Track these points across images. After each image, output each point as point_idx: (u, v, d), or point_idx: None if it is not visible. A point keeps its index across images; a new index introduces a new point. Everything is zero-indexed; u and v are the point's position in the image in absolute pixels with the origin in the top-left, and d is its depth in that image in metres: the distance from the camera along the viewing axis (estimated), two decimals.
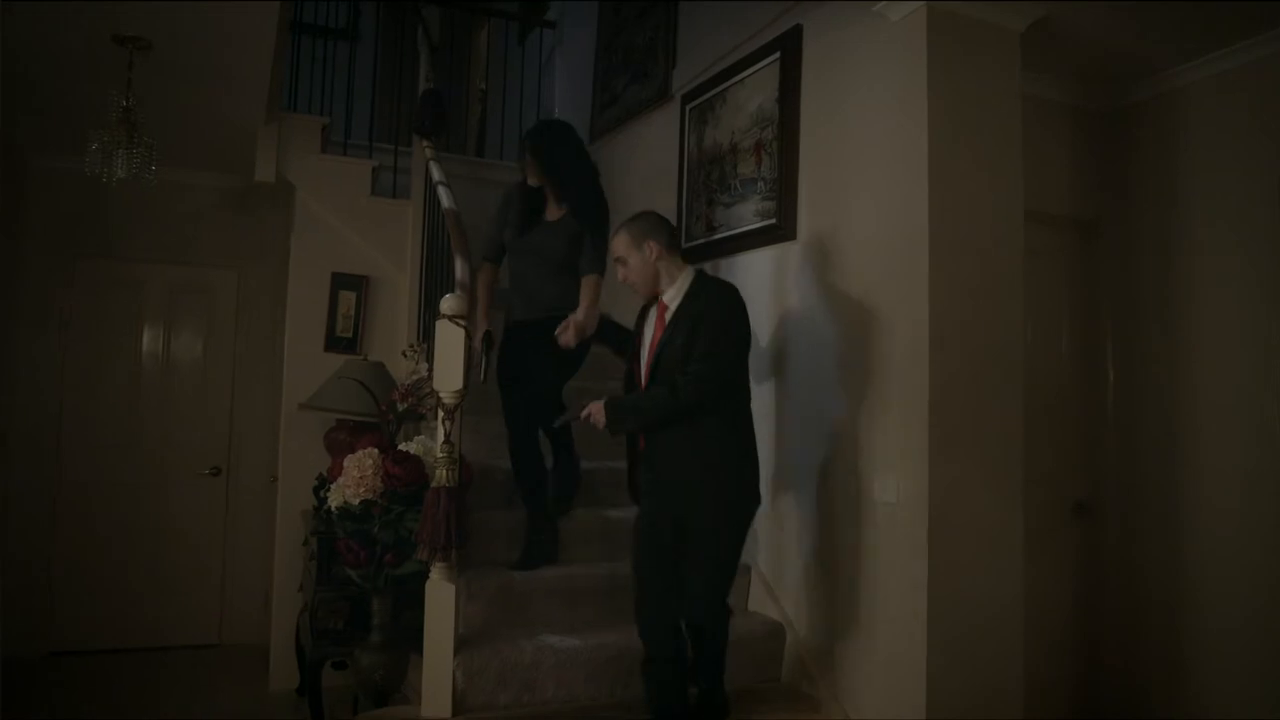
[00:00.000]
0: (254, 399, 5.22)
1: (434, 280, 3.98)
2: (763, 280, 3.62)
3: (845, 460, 3.13)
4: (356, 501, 2.91)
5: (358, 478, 2.92)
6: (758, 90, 3.70)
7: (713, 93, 4.04)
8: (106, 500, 4.94)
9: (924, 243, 2.86)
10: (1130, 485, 3.63)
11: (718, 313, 2.71)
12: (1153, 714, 3.43)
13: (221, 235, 5.23)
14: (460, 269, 3.17)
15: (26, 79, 3.68)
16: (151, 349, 5.16)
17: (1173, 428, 3.47)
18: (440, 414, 2.77)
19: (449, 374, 2.76)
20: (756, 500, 2.85)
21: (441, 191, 3.77)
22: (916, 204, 2.89)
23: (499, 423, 3.40)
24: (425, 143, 4.32)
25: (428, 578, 2.77)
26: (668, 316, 2.78)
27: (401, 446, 3.07)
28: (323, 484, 3.50)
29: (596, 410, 2.75)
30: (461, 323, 2.79)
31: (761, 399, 3.28)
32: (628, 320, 3.16)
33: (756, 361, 3.12)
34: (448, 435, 2.74)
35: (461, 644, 2.87)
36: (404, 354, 3.78)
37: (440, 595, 2.76)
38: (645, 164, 4.70)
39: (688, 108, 4.25)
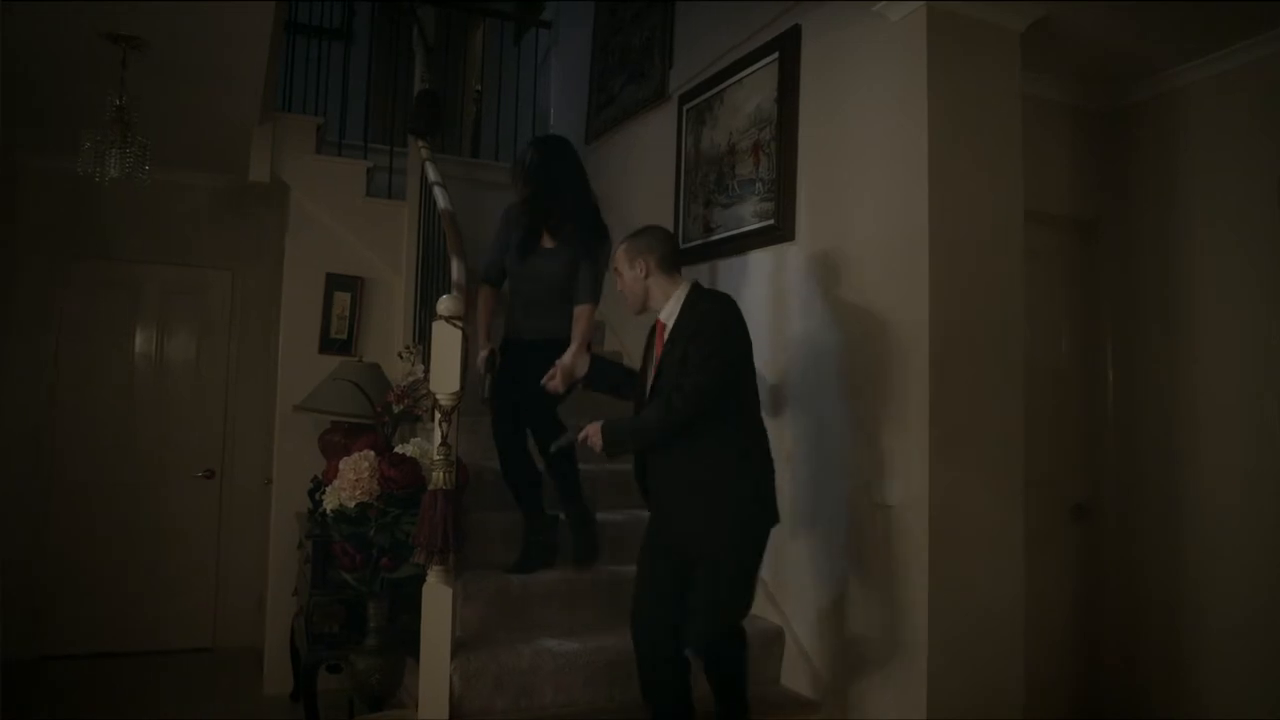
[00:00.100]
0: (248, 401, 5.18)
1: (429, 281, 3.96)
2: (761, 282, 3.60)
3: (845, 461, 3.12)
4: (352, 504, 2.88)
5: (354, 480, 2.89)
6: (756, 90, 3.68)
7: (710, 93, 4.02)
8: (100, 502, 4.91)
9: (924, 243, 2.84)
10: (1130, 485, 3.63)
11: (709, 326, 2.61)
12: (1153, 714, 3.43)
13: (216, 236, 5.20)
14: (456, 270, 3.15)
15: (21, 79, 3.65)
16: (145, 350, 5.12)
17: (1172, 428, 3.46)
18: (437, 416, 2.75)
19: (446, 375, 2.74)
20: (769, 518, 2.69)
21: (437, 192, 3.75)
22: (916, 204, 2.88)
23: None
24: (421, 143, 4.30)
25: (424, 581, 2.75)
26: (666, 335, 2.72)
27: (398, 449, 3.05)
28: (318, 486, 3.48)
29: (593, 432, 2.68)
30: (459, 324, 2.76)
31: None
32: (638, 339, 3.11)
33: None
34: (445, 437, 2.72)
35: (458, 648, 2.85)
36: (400, 355, 3.76)
37: (437, 599, 2.73)
38: (642, 165, 4.68)
39: (685, 108, 4.24)
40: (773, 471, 2.72)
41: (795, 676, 3.25)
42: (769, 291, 3.56)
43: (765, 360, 3.50)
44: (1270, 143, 3.15)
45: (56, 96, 3.92)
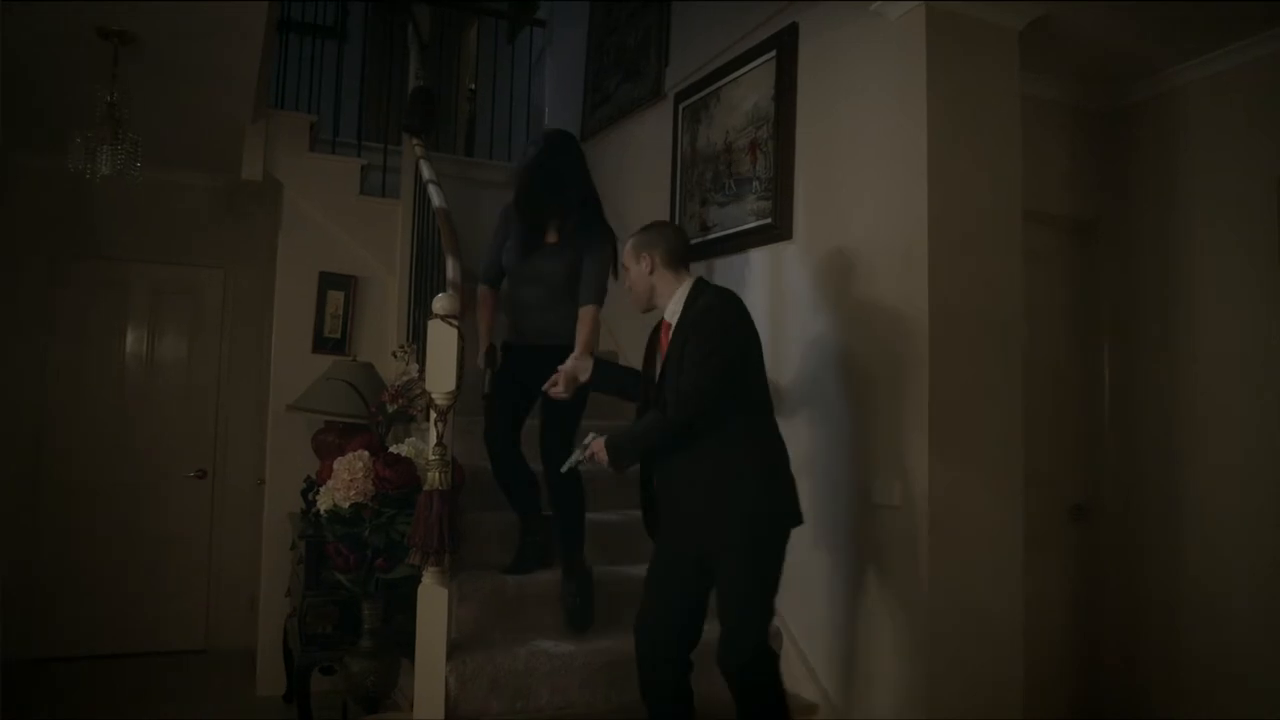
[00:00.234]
0: (241, 400, 5.15)
1: (423, 280, 3.93)
2: (758, 281, 3.58)
3: (844, 462, 3.10)
4: (346, 505, 2.85)
5: (348, 480, 2.87)
6: (753, 89, 3.66)
7: (707, 91, 4.00)
8: (92, 503, 4.87)
9: (923, 243, 2.83)
10: (1129, 485, 3.62)
11: (709, 322, 2.54)
12: (1152, 714, 3.42)
13: (208, 234, 5.16)
14: (451, 268, 3.12)
15: (14, 77, 3.62)
16: (137, 349, 5.08)
17: (1172, 428, 3.46)
18: (432, 415, 2.72)
19: (441, 375, 2.71)
20: (790, 518, 2.61)
21: (432, 190, 3.72)
22: (915, 204, 2.87)
23: None
24: (415, 140, 4.27)
25: (419, 582, 2.72)
26: (671, 334, 2.67)
27: (392, 449, 3.02)
28: (311, 487, 3.45)
29: (599, 447, 2.62)
30: (454, 322, 2.74)
31: None
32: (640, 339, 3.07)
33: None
34: (440, 437, 2.69)
35: (454, 649, 2.82)
36: (394, 355, 3.73)
37: (432, 600, 2.71)
38: (638, 163, 4.66)
39: (681, 106, 4.22)
40: (787, 471, 2.65)
41: (794, 677, 3.22)
42: (766, 291, 3.54)
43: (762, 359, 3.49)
44: (1270, 142, 3.15)
45: (55, 96, 3.89)
